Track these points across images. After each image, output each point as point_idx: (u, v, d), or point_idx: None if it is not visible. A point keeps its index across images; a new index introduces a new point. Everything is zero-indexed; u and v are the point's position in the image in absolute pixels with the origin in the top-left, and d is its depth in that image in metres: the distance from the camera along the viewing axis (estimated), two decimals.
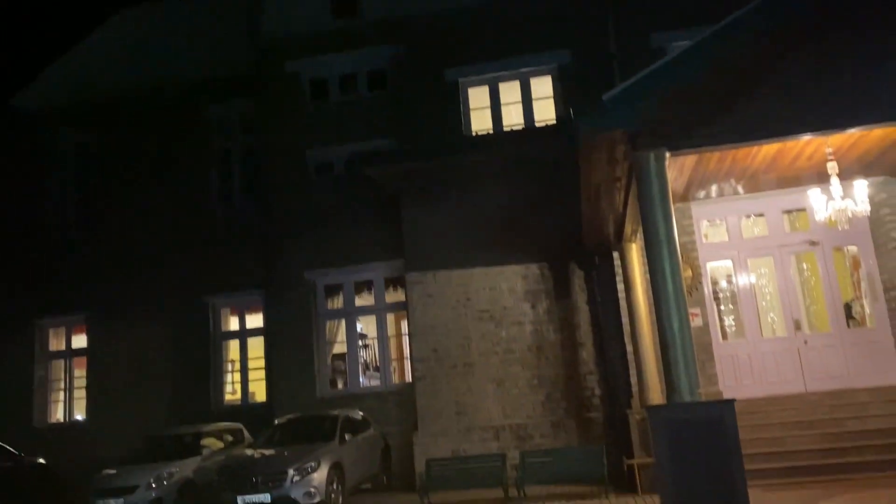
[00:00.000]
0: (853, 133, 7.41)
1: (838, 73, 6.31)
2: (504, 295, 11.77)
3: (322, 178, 13.83)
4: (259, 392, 14.22)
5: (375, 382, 13.45)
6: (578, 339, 11.45)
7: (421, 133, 12.83)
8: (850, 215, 8.53)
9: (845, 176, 8.60)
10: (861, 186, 8.50)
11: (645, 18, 11.93)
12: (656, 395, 9.46)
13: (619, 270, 10.71)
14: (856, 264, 10.74)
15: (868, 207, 8.65)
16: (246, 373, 14.29)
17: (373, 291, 13.40)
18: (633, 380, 10.44)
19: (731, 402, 5.98)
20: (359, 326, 13.80)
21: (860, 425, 8.78)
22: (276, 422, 11.33)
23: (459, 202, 12.01)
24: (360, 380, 13.50)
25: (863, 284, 10.55)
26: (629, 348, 10.58)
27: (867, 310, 10.50)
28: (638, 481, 9.16)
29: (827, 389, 9.73)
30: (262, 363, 14.12)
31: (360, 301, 13.59)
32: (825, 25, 6.33)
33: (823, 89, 6.34)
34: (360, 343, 13.86)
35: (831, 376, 10.01)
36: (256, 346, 14.32)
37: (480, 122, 12.97)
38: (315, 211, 13.40)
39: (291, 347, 13.07)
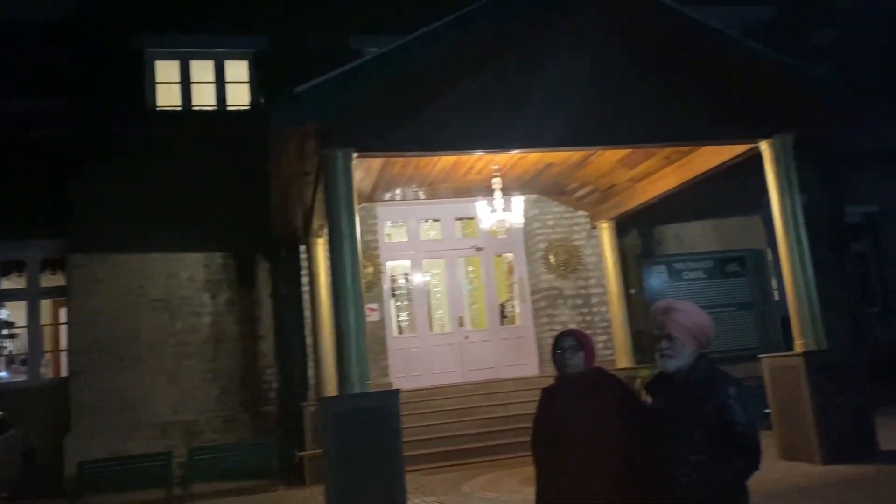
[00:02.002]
0: (514, 154, 8.42)
1: (503, 100, 7.12)
2: (183, 284, 11.14)
3: None
4: None
5: (23, 377, 11.80)
6: (259, 332, 11.28)
7: (100, 99, 11.55)
8: (508, 226, 9.67)
9: (507, 191, 9.72)
10: (518, 202, 9.68)
11: (345, 20, 12.18)
12: (332, 388, 9.68)
13: (304, 264, 10.81)
14: (511, 269, 12.22)
15: (522, 220, 9.89)
16: None
17: (24, 273, 11.73)
18: (312, 372, 10.61)
19: (395, 391, 6.39)
20: (3, 313, 11.99)
21: (505, 411, 9.97)
22: None
23: (140, 181, 11.06)
24: (2, 374, 11.73)
25: (515, 287, 12.04)
26: (309, 341, 10.72)
27: (517, 310, 12.01)
28: (307, 474, 9.31)
29: (481, 380, 10.88)
30: None
31: (7, 284, 11.82)
32: (495, 55, 7.10)
33: (492, 112, 7.11)
34: (4, 332, 12.05)
35: (485, 368, 11.23)
36: None
37: (168, 98, 12.10)
38: None
39: None
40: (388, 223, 11.67)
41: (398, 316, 11.88)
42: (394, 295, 11.77)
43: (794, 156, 7.74)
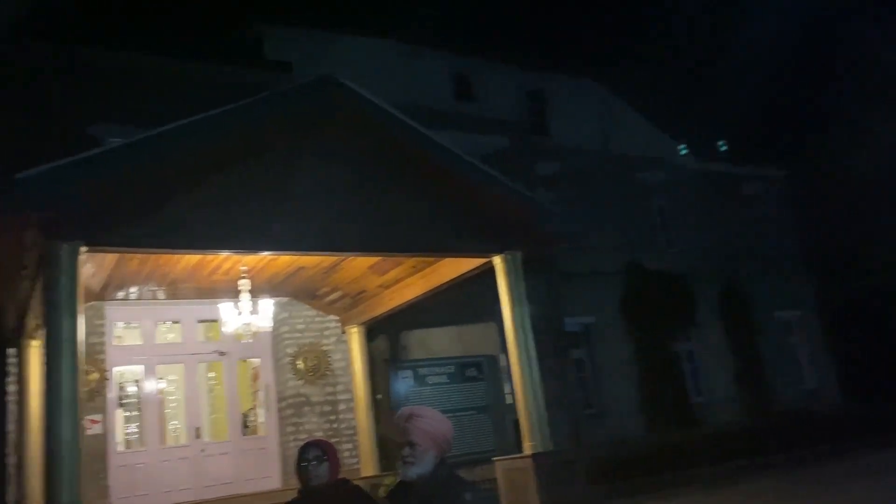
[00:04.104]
0: (265, 256, 8.28)
1: (255, 201, 7.05)
2: None
3: None
4: None
5: None
6: None
7: None
8: (255, 330, 9.34)
9: (256, 293, 9.44)
10: (267, 305, 9.43)
11: (85, 105, 11.37)
12: None
13: (13, 369, 9.41)
14: (256, 376, 11.73)
15: (271, 324, 9.63)
16: None
17: None
18: (12, 497, 9.05)
19: None
20: None
21: None
22: None
23: None
24: None
25: (260, 395, 11.54)
26: (12, 460, 9.21)
27: (261, 418, 11.46)
28: None
29: (218, 496, 10.07)
30: None
31: None
32: (247, 156, 7.06)
33: (243, 213, 6.98)
34: None
35: (224, 483, 10.44)
36: None
37: None
38: None
39: None
40: (120, 324, 10.69)
41: (125, 428, 10.72)
42: (121, 404, 10.65)
43: (523, 270, 8.55)
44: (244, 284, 8.98)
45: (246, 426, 11.53)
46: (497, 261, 8.44)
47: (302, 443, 3.14)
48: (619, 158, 18.55)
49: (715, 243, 19.35)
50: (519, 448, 8.51)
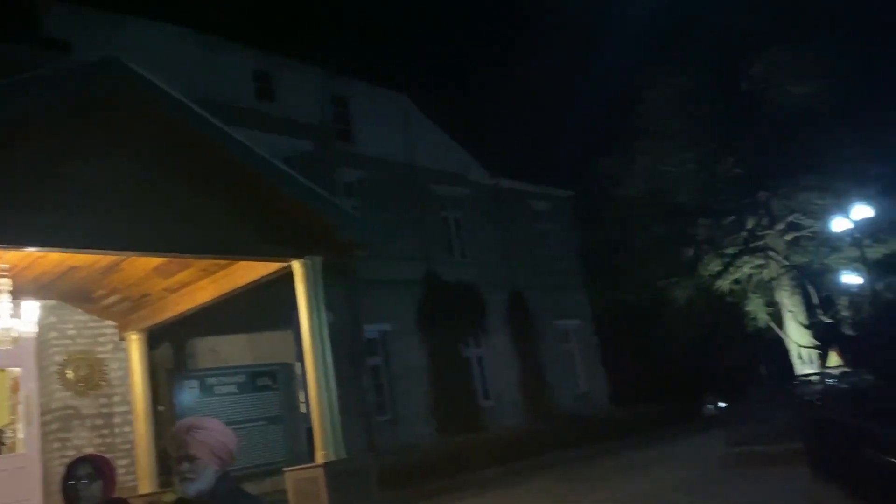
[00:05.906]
0: (30, 252, 7.42)
1: (17, 191, 6.29)
2: None
3: None
4: None
5: None
6: None
7: None
8: (16, 335, 8.31)
9: (19, 295, 8.41)
10: (32, 308, 8.45)
11: None
12: None
13: None
14: (16, 387, 10.45)
15: (35, 329, 8.63)
16: None
17: None
18: None
19: None
20: None
21: None
22: None
23: None
24: None
25: (20, 408, 10.29)
26: None
27: (20, 434, 10.23)
28: None
29: None
30: None
31: None
32: (6, 139, 6.29)
33: (3, 202, 6.19)
34: None
35: None
36: None
37: None
38: None
39: None
40: None
41: None
42: None
43: (322, 276, 8.43)
44: (5, 284, 7.97)
45: (2, 443, 10.23)
46: (296, 266, 8.25)
47: (70, 460, 2.82)
48: (419, 171, 19.05)
49: (504, 255, 20.50)
50: (312, 458, 8.37)
